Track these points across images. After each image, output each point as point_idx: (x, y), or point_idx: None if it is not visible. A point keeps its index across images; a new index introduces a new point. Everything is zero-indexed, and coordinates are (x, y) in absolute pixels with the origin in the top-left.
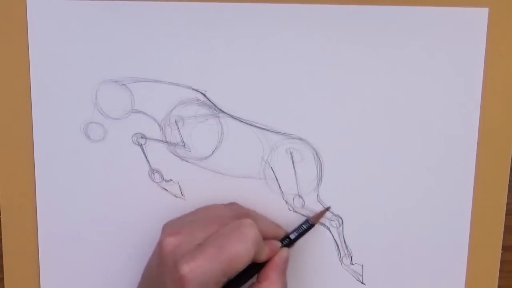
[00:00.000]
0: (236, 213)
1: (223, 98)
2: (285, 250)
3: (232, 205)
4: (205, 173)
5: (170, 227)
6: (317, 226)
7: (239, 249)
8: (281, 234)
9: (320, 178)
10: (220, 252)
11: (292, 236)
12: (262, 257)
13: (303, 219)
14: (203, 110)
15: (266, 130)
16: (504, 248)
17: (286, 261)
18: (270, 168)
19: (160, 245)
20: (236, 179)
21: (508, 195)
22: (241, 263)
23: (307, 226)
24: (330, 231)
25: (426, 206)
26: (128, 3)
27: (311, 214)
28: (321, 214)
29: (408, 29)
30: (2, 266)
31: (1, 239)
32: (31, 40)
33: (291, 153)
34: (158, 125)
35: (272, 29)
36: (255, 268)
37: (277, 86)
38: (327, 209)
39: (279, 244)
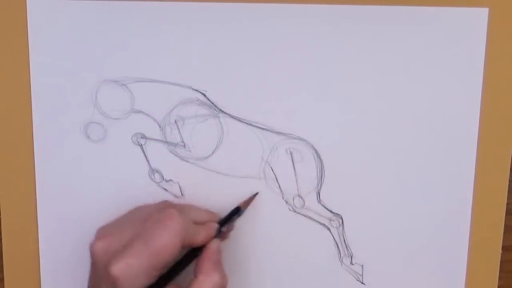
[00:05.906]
0: (163, 208)
1: (223, 98)
2: (215, 241)
3: (163, 202)
4: (205, 173)
5: (100, 230)
6: (317, 226)
7: (163, 241)
8: (215, 220)
9: (320, 178)
10: (145, 247)
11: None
12: (199, 240)
13: (303, 219)
14: (203, 110)
15: (266, 130)
16: (504, 248)
17: (218, 252)
18: (270, 168)
19: (91, 251)
20: (236, 179)
21: (508, 195)
22: (168, 254)
23: (235, 211)
24: (330, 231)
25: (426, 206)
26: (128, 3)
27: (311, 214)
28: (250, 199)
29: (408, 29)
30: (2, 266)
31: (1, 239)
32: (31, 40)
33: (291, 153)
34: (158, 125)
35: (272, 29)
36: (194, 253)
37: (277, 86)
38: (256, 194)
39: (216, 225)
